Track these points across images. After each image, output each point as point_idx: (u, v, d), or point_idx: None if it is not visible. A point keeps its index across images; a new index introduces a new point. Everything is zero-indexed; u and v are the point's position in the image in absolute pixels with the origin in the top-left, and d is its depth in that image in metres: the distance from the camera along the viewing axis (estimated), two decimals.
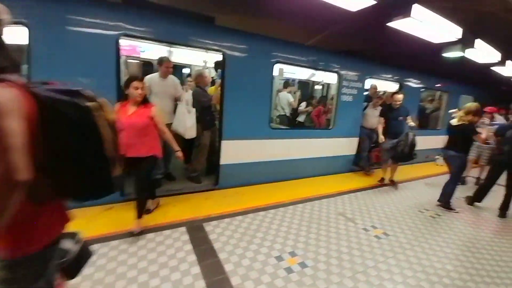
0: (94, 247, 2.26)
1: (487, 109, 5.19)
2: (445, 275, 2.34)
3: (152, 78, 3.46)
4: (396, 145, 4.18)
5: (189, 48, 4.01)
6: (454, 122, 3.75)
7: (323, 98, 6.82)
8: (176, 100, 3.62)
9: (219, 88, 3.63)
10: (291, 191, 3.93)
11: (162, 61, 3.45)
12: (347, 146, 5.03)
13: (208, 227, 2.77)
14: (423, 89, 6.35)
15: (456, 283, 2.25)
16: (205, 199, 3.42)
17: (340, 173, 5.08)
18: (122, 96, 2.52)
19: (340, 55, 4.79)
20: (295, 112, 6.43)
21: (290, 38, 4.80)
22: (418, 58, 5.82)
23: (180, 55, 5.41)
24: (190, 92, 3.59)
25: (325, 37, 5.10)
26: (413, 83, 5.92)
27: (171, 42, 3.67)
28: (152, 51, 5.28)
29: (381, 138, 4.38)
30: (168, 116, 3.46)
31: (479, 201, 4.03)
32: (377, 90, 5.57)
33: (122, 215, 2.80)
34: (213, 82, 4.74)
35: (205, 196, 3.52)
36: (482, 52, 4.36)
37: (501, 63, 5.29)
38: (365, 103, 5.19)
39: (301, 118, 5.99)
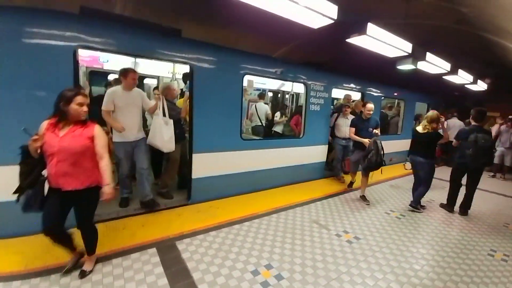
0: (53, 277, 2.04)
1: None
2: (413, 275, 2.47)
3: (115, 91, 3.13)
4: (367, 156, 3.96)
5: (155, 60, 3.90)
6: (420, 129, 3.98)
7: (300, 108, 6.95)
8: (147, 112, 3.44)
9: (188, 101, 3.57)
10: (266, 201, 3.94)
11: (126, 72, 3.15)
12: (317, 153, 5.21)
13: (181, 245, 2.65)
14: (383, 98, 6.86)
15: (425, 282, 2.39)
16: (177, 216, 3.28)
17: (313, 179, 5.22)
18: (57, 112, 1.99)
19: (306, 67, 5.00)
20: (270, 122, 6.52)
21: (259, 50, 4.94)
22: (377, 70, 6.32)
23: (147, 66, 5.25)
24: (164, 100, 3.36)
25: (291, 50, 5.32)
26: (374, 92, 6.38)
27: (135, 55, 3.54)
28: (116, 61, 5.06)
29: (366, 141, 4.08)
30: (138, 131, 3.26)
31: (454, 204, 4.22)
32: (351, 100, 5.67)
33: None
34: (182, 94, 4.65)
35: (177, 212, 3.38)
36: (433, 64, 4.84)
37: (453, 72, 5.90)
38: (336, 114, 5.28)
39: (278, 129, 6.06)
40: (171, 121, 3.33)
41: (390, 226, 3.49)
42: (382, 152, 3.95)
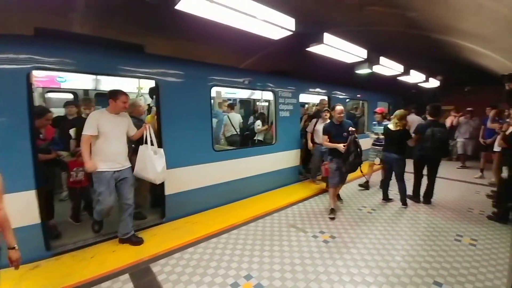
0: None
1: (377, 109, 5.35)
2: (385, 266, 2.60)
3: (100, 115, 2.76)
4: (347, 159, 3.66)
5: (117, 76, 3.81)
6: (392, 127, 4.21)
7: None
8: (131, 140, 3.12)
9: (156, 116, 3.51)
10: (243, 211, 3.93)
11: (116, 94, 2.78)
12: (290, 158, 5.33)
13: (156, 267, 2.55)
14: (348, 100, 7.24)
15: (396, 272, 2.52)
16: (151, 236, 3.16)
17: (289, 184, 5.33)
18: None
19: (273, 75, 5.16)
20: (251, 131, 6.55)
21: (226, 62, 5.01)
22: (341, 74, 6.69)
23: (110, 82, 5.08)
24: (151, 128, 3.07)
25: (258, 60, 5.46)
26: (339, 95, 6.72)
27: (96, 73, 3.43)
28: (75, 80, 4.84)
29: (340, 146, 3.71)
30: (125, 160, 2.92)
31: (419, 195, 4.51)
32: (326, 104, 5.69)
33: (51, 273, 2.38)
34: (150, 110, 4.55)
35: (151, 233, 3.25)
36: (387, 67, 5.23)
37: (406, 72, 6.40)
38: (314, 120, 5.21)
39: (261, 137, 6.10)
40: (161, 150, 3.10)
41: (363, 221, 3.66)
42: (360, 151, 3.74)
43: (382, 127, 4.68)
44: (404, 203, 4.24)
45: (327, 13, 4.70)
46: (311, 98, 7.45)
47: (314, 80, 6.05)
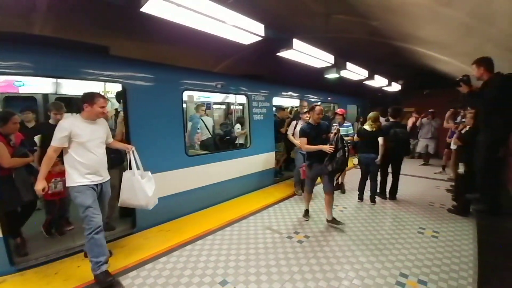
0: None
1: (338, 111, 5.37)
2: (356, 261, 2.72)
3: (73, 122, 2.38)
4: (334, 158, 3.42)
5: (79, 79, 3.61)
6: (368, 128, 4.36)
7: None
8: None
9: (123, 122, 3.36)
10: (219, 216, 3.89)
11: (92, 97, 2.45)
12: (266, 161, 5.39)
13: (126, 280, 2.43)
14: (319, 103, 7.50)
15: (365, 266, 2.65)
16: (121, 248, 3.01)
17: (264, 187, 5.37)
18: None
19: (246, 79, 5.20)
20: (226, 134, 6.48)
21: (198, 66, 4.96)
22: (311, 78, 6.93)
23: (72, 85, 4.79)
24: (135, 151, 2.81)
25: (231, 64, 5.48)
26: (311, 98, 6.95)
27: (56, 77, 3.22)
28: (34, 85, 4.50)
29: (326, 148, 3.40)
30: (105, 171, 2.60)
31: (385, 192, 4.76)
32: (305, 105, 5.53)
33: None
34: (117, 115, 4.35)
35: (121, 244, 3.10)
36: (353, 72, 5.53)
37: (370, 77, 6.80)
38: (294, 122, 4.93)
39: (241, 140, 6.03)
40: (148, 173, 2.86)
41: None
42: (348, 148, 3.57)
43: (345, 129, 4.76)
44: (373, 200, 4.48)
45: (296, 20, 4.87)
46: (290, 101, 7.59)
47: (287, 84, 6.20)
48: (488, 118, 3.00)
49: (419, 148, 7.88)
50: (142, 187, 2.72)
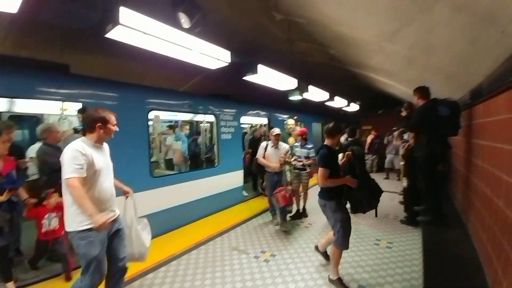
0: None
1: (298, 132, 4.85)
2: (319, 277, 2.84)
3: (85, 147, 1.97)
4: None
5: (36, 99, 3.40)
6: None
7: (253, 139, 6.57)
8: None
9: None
10: (185, 239, 3.79)
11: (105, 116, 2.13)
12: (234, 179, 5.43)
13: None
14: (286, 121, 7.86)
15: (327, 281, 2.77)
16: (73, 280, 2.77)
17: (233, 205, 5.37)
18: None
19: (215, 98, 5.30)
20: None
21: (165, 85, 4.95)
22: (278, 98, 7.29)
23: (27, 103, 4.44)
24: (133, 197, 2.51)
25: (199, 83, 5.56)
26: (278, 117, 7.26)
27: (8, 97, 3.01)
28: None
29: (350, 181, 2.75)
30: (115, 204, 2.22)
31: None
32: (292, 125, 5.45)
33: None
34: (76, 131, 4.12)
35: (75, 276, 2.85)
36: (316, 94, 5.95)
37: (331, 98, 7.34)
38: (265, 143, 4.51)
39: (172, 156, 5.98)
40: (144, 219, 2.56)
41: (301, 236, 3.92)
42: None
43: (306, 151, 4.60)
44: None
45: (261, 45, 5.17)
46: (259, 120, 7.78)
47: (255, 103, 6.43)
48: (417, 137, 3.60)
49: (386, 164, 8.52)
50: (141, 238, 2.38)
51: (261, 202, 5.55)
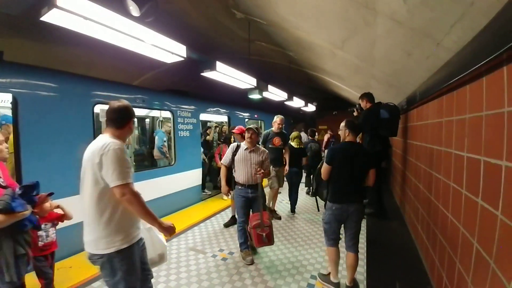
0: None
1: (236, 130, 4.09)
2: (275, 271, 2.94)
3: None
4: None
5: None
6: (294, 145, 4.80)
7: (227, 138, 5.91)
8: None
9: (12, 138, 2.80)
10: None
11: (131, 111, 1.77)
12: (192, 178, 5.28)
13: None
14: (247, 120, 7.92)
15: (283, 274, 2.88)
16: None
17: (192, 205, 5.23)
18: None
19: (172, 94, 5.08)
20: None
21: (115, 77, 4.57)
22: (239, 96, 7.30)
23: None
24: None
25: (154, 77, 5.26)
26: (239, 115, 7.27)
27: None
28: None
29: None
30: None
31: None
32: (280, 125, 4.48)
33: None
34: None
35: None
36: (274, 94, 6.11)
37: (290, 99, 7.61)
38: (234, 144, 3.34)
39: None
40: (154, 229, 2.04)
41: None
42: None
43: None
44: (293, 211, 4.94)
45: (220, 42, 5.12)
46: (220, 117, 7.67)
47: (215, 100, 6.33)
48: (363, 136, 4.09)
49: None
50: (158, 236, 2.06)
51: (220, 202, 5.51)
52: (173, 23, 3.87)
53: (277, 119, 4.50)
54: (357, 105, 4.48)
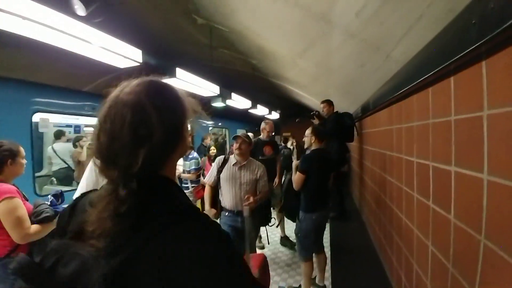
0: None
1: None
2: None
3: None
4: None
5: None
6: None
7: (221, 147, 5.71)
8: None
9: None
10: None
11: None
12: None
13: None
14: (211, 128, 7.76)
15: None
16: None
17: None
18: None
19: None
20: None
21: (62, 83, 4.09)
22: (203, 103, 7.11)
23: None
24: None
25: (106, 84, 4.83)
26: (203, 123, 7.09)
27: None
28: None
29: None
30: None
31: None
32: (270, 132, 4.15)
33: None
34: None
35: None
36: (238, 101, 6.08)
37: (254, 107, 7.66)
38: (221, 158, 2.89)
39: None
40: None
41: None
42: None
43: (188, 163, 4.01)
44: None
45: (181, 48, 4.94)
46: None
47: None
48: (329, 143, 4.08)
49: None
50: None
51: None
52: (129, 26, 3.62)
53: (265, 125, 3.95)
54: (315, 112, 4.61)
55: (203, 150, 6.18)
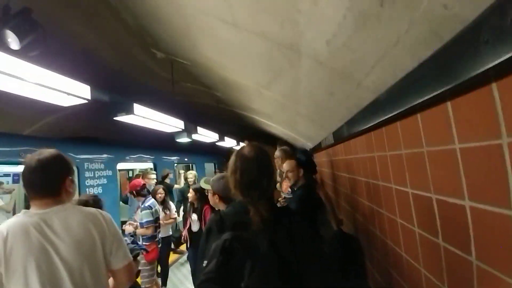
0: None
1: (129, 185, 3.71)
2: None
3: None
4: None
5: None
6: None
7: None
8: None
9: None
10: None
11: None
12: None
13: None
14: (176, 164, 7.25)
15: None
16: None
17: None
18: None
19: (76, 143, 4.15)
20: None
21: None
22: (166, 139, 6.69)
23: None
24: None
25: (51, 125, 4.26)
26: (167, 160, 6.58)
27: None
28: None
29: None
30: None
31: None
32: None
33: None
34: None
35: None
36: (205, 135, 5.82)
37: (221, 139, 7.43)
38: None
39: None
40: None
41: None
42: None
43: (149, 211, 3.41)
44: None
45: (139, 83, 4.66)
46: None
47: (137, 146, 5.55)
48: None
49: None
50: None
51: None
52: (75, 60, 3.27)
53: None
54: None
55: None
